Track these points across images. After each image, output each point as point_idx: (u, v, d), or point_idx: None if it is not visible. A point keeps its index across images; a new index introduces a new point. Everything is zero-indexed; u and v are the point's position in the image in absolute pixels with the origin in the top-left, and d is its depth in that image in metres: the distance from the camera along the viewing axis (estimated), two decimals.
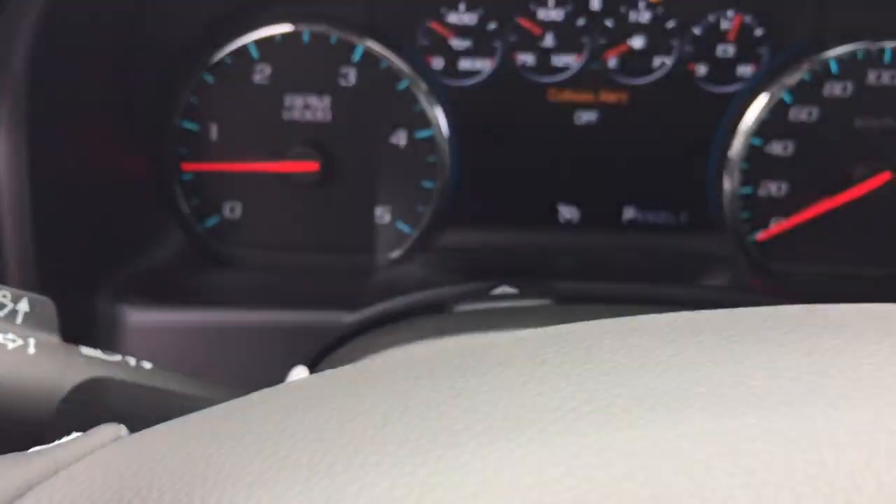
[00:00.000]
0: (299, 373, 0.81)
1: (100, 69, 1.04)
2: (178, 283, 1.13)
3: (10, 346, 0.61)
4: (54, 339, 0.64)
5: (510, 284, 0.89)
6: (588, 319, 0.73)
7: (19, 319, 0.64)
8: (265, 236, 1.24)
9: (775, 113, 1.21)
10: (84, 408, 0.62)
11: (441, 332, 0.70)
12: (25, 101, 0.89)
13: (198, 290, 1.14)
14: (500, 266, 1.22)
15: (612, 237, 1.28)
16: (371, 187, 1.24)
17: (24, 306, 0.65)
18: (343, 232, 1.25)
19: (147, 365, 0.69)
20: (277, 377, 0.98)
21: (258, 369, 1.02)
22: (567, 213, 1.28)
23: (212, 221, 1.24)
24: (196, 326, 1.04)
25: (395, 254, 1.26)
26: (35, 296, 0.65)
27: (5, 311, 0.64)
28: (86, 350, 0.66)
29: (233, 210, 1.24)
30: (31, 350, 0.62)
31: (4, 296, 0.65)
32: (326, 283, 1.19)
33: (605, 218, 1.28)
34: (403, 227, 1.25)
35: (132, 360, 0.68)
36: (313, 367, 0.88)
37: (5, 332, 0.62)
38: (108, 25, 1.00)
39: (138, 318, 1.03)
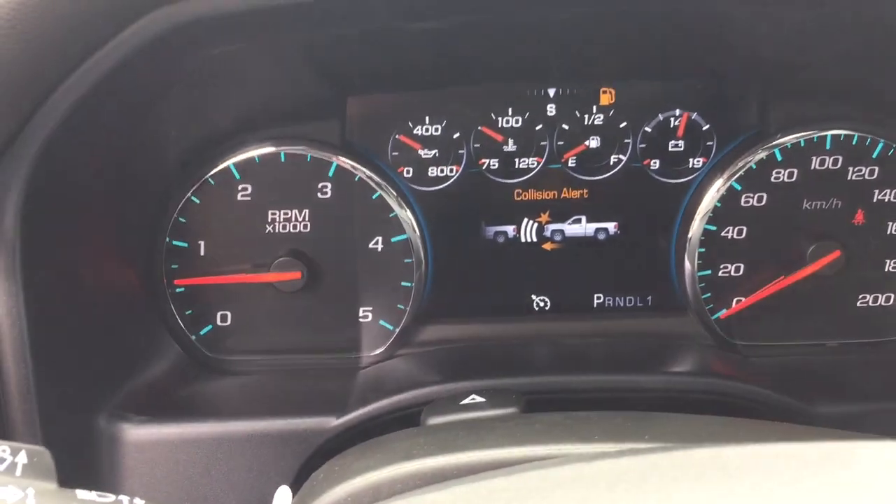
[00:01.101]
0: (284, 493, 0.87)
1: (91, 202, 1.11)
2: (173, 395, 1.20)
3: (10, 499, 0.68)
4: (52, 486, 0.70)
5: (480, 391, 0.95)
6: (549, 433, 0.79)
7: (18, 471, 0.71)
8: (255, 342, 1.31)
9: (727, 200, 1.29)
10: None
11: (410, 455, 0.77)
12: (19, 251, 0.96)
13: (193, 400, 1.21)
14: (477, 359, 1.29)
15: (584, 323, 1.35)
16: (353, 290, 1.31)
17: (22, 458, 0.72)
18: (329, 333, 1.32)
19: (140, 502, 0.75)
20: (270, 486, 1.05)
21: (251, 477, 1.09)
22: (540, 302, 1.35)
23: (204, 330, 1.31)
24: (191, 439, 1.10)
25: (380, 350, 1.33)
26: (32, 447, 0.72)
27: (5, 464, 0.71)
28: (82, 494, 0.72)
29: (224, 319, 1.31)
30: (31, 500, 0.68)
31: (4, 450, 0.71)
32: (315, 384, 1.26)
33: (575, 305, 1.35)
34: (386, 324, 1.32)
35: (125, 500, 0.74)
36: (297, 482, 0.94)
37: (5, 485, 0.68)
38: (98, 165, 1.08)
39: (136, 434, 1.09)
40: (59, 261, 1.05)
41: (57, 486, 0.71)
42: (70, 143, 0.95)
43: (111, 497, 0.73)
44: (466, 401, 0.93)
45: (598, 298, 1.35)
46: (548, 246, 1.33)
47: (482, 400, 0.93)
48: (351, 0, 0.83)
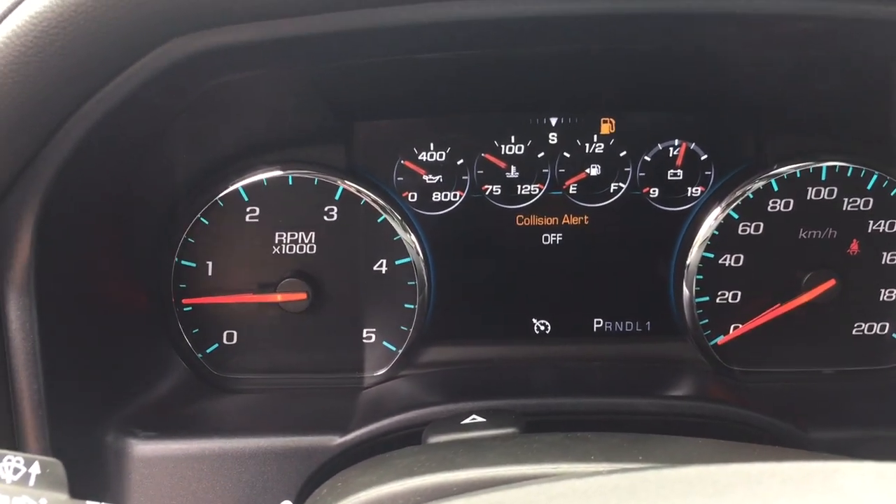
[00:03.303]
0: None
1: (102, 223, 1.15)
2: (179, 412, 1.22)
3: None
4: (64, 496, 0.73)
5: (481, 412, 0.98)
6: (546, 452, 0.82)
7: (32, 482, 0.73)
8: (260, 361, 1.34)
9: (725, 228, 1.32)
10: None
11: (412, 472, 0.79)
12: (33, 268, 0.99)
13: (198, 418, 1.23)
14: (478, 381, 1.31)
15: (583, 347, 1.37)
16: (357, 311, 1.34)
17: (35, 469, 0.74)
18: (333, 353, 1.34)
19: None
20: (274, 501, 1.07)
21: (255, 493, 1.11)
22: (540, 325, 1.38)
23: (210, 349, 1.33)
24: (196, 455, 1.12)
25: (383, 371, 1.35)
26: (45, 459, 0.74)
27: (19, 475, 0.73)
28: None
29: (230, 337, 1.34)
30: None
31: (18, 461, 0.74)
32: (318, 403, 1.28)
33: (575, 329, 1.38)
34: (389, 345, 1.35)
35: None
36: (300, 499, 0.96)
37: (19, 495, 0.71)
38: (110, 187, 1.11)
39: (143, 449, 1.11)
40: (70, 278, 1.08)
41: (69, 497, 0.73)
42: (84, 167, 0.98)
43: None
44: (467, 420, 0.96)
45: (598, 323, 1.38)
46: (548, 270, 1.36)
47: (482, 420, 0.95)
48: (362, 34, 0.86)
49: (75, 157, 0.94)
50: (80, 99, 0.86)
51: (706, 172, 1.33)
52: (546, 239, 1.36)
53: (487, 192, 1.34)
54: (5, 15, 0.81)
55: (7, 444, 1.01)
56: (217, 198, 1.30)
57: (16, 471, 0.73)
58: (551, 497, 0.53)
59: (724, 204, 1.31)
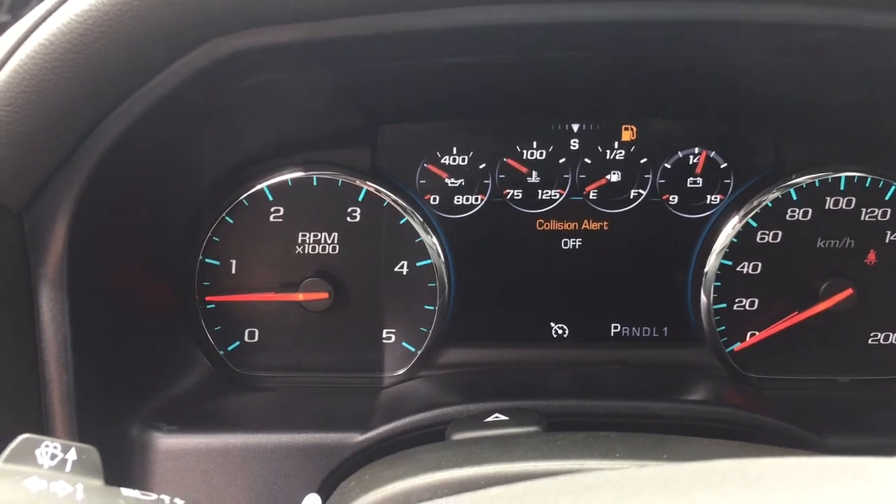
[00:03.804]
0: (313, 500, 0.90)
1: (131, 221, 1.17)
2: (202, 407, 1.24)
3: (61, 493, 0.72)
4: (99, 482, 0.74)
5: (503, 411, 0.99)
6: (571, 449, 0.83)
7: (68, 468, 0.75)
8: (281, 359, 1.35)
9: (743, 236, 1.33)
10: None
11: (439, 466, 0.80)
12: (67, 263, 1.01)
13: (220, 413, 1.24)
14: (497, 382, 1.33)
15: (600, 351, 1.39)
16: (378, 311, 1.35)
17: (72, 455, 0.76)
18: (353, 353, 1.36)
19: (180, 502, 0.79)
20: (295, 497, 1.09)
21: (276, 488, 1.12)
22: (558, 329, 1.39)
23: (232, 346, 1.35)
24: (219, 449, 1.13)
25: (402, 371, 1.36)
26: (82, 445, 0.76)
27: (56, 460, 0.75)
28: (126, 492, 0.76)
29: (251, 335, 1.35)
30: (80, 496, 0.72)
31: (56, 447, 0.76)
32: (338, 402, 1.29)
33: (593, 333, 1.39)
34: (408, 346, 1.36)
35: (166, 499, 0.78)
36: (326, 492, 0.97)
37: (56, 479, 0.72)
38: (141, 184, 1.13)
39: (167, 443, 1.13)
40: (101, 273, 1.10)
41: (103, 483, 0.75)
42: (119, 164, 1.00)
43: (153, 496, 0.77)
44: (490, 419, 0.97)
45: (615, 328, 1.39)
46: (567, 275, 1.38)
47: (505, 418, 0.96)
48: (396, 37, 0.88)
49: (112, 154, 0.96)
50: (120, 96, 0.88)
51: (725, 180, 1.35)
52: (565, 244, 1.37)
53: (508, 197, 1.36)
54: (51, 12, 0.84)
55: (36, 434, 1.02)
56: (242, 197, 1.32)
57: (53, 456, 0.75)
58: (585, 487, 0.55)
59: (742, 212, 1.33)
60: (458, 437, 0.95)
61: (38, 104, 0.87)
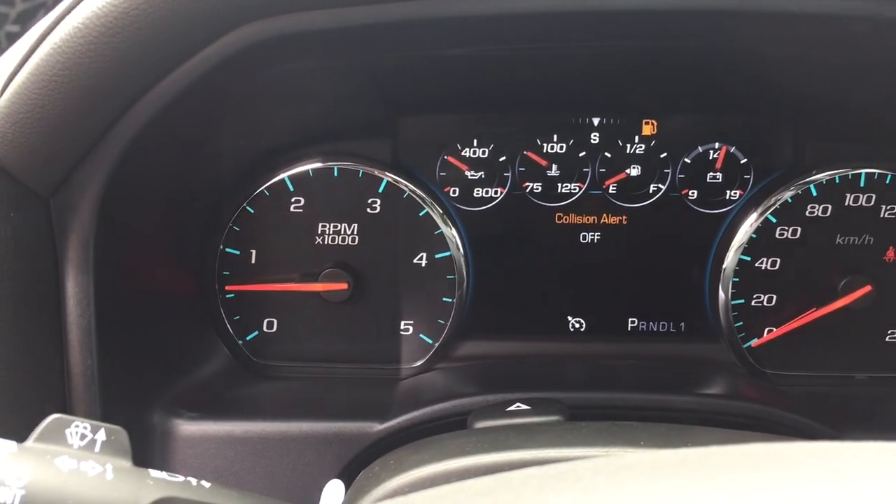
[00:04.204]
0: (335, 486, 0.91)
1: (155, 208, 1.17)
2: (222, 395, 1.24)
3: (91, 472, 0.72)
4: (127, 463, 0.75)
5: (524, 401, 0.99)
6: (595, 437, 0.83)
7: (97, 448, 0.75)
8: (299, 349, 1.36)
9: (762, 232, 1.33)
10: None
11: (464, 452, 0.81)
12: (92, 249, 1.02)
13: (240, 401, 1.25)
14: (514, 374, 1.33)
15: (617, 345, 1.39)
16: (396, 303, 1.36)
17: (101, 436, 0.76)
18: (371, 344, 1.36)
19: (206, 484, 0.79)
20: (314, 484, 1.09)
21: (296, 475, 1.13)
22: (575, 323, 1.40)
23: (251, 336, 1.36)
24: (239, 436, 1.14)
25: (419, 363, 1.37)
26: (111, 426, 0.77)
27: (86, 440, 0.76)
28: (154, 473, 0.76)
29: (270, 325, 1.36)
30: (110, 476, 0.73)
31: (86, 427, 0.76)
32: (356, 392, 1.30)
33: (610, 327, 1.39)
34: (426, 338, 1.37)
35: (193, 481, 0.79)
36: (346, 479, 0.98)
37: (86, 459, 0.73)
38: (166, 172, 1.14)
39: (187, 429, 1.13)
40: (124, 259, 1.11)
41: (132, 464, 0.75)
42: (147, 149, 1.00)
43: (181, 478, 0.78)
44: (512, 408, 0.97)
45: (632, 322, 1.39)
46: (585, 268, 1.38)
47: (527, 407, 0.97)
48: (424, 25, 0.89)
49: (140, 140, 0.97)
50: (150, 82, 0.89)
51: (745, 176, 1.35)
52: (584, 237, 1.38)
53: (528, 190, 1.36)
54: None
55: None
56: (263, 187, 1.32)
57: (83, 436, 0.76)
58: (620, 467, 0.55)
59: (762, 208, 1.33)
60: (480, 425, 0.95)
61: (69, 89, 0.88)
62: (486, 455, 0.80)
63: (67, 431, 0.75)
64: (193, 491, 0.77)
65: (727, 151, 1.34)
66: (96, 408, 1.04)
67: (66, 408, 1.03)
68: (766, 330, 1.36)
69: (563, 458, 0.77)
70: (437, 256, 1.35)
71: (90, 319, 1.02)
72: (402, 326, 1.37)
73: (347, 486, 0.93)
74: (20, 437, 0.71)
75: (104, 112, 0.92)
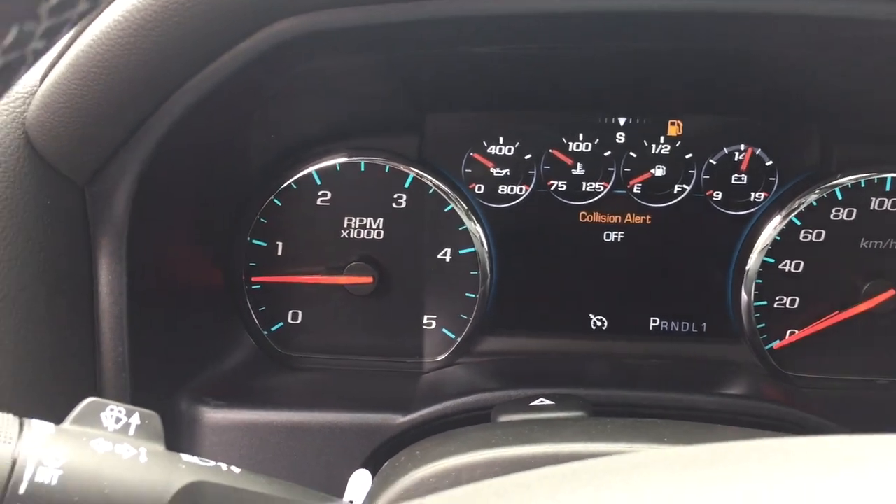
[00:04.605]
0: (362, 475, 0.92)
1: (186, 200, 1.19)
2: (247, 385, 1.26)
3: (125, 455, 0.74)
4: (161, 447, 0.77)
5: (547, 396, 1.00)
6: (620, 433, 0.84)
7: (131, 431, 0.77)
8: (323, 341, 1.38)
9: (786, 234, 1.33)
10: None
11: (489, 444, 0.82)
12: (125, 237, 1.04)
13: (265, 391, 1.27)
14: (536, 370, 1.34)
15: (639, 344, 1.39)
16: (420, 297, 1.37)
17: (135, 420, 0.78)
18: (394, 337, 1.38)
19: (236, 469, 0.81)
20: (337, 473, 1.11)
21: (319, 465, 1.14)
22: (597, 321, 1.40)
23: (276, 327, 1.37)
24: (263, 425, 1.16)
25: (441, 357, 1.38)
26: (145, 411, 0.78)
27: (120, 424, 0.77)
28: (186, 457, 0.78)
29: (295, 317, 1.38)
30: (144, 458, 0.74)
31: (121, 411, 0.78)
32: (379, 384, 1.31)
33: (632, 327, 1.40)
34: (448, 332, 1.38)
35: (224, 466, 0.81)
36: (372, 468, 0.99)
37: (121, 442, 0.75)
38: (197, 163, 1.16)
39: (214, 417, 1.15)
40: (156, 248, 1.13)
41: (164, 448, 0.77)
42: (179, 142, 1.02)
43: (211, 462, 0.79)
44: (535, 402, 0.98)
45: (654, 322, 1.40)
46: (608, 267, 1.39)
47: (551, 403, 0.97)
48: (455, 22, 0.90)
49: (174, 131, 0.98)
50: (187, 74, 0.91)
51: (770, 178, 1.35)
52: (607, 236, 1.38)
53: (553, 188, 1.37)
54: None
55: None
56: (291, 180, 1.34)
57: (117, 420, 0.77)
58: (673, 461, 0.55)
59: (786, 210, 1.33)
60: (503, 419, 0.96)
61: (108, 80, 0.89)
62: (512, 448, 0.81)
63: (102, 415, 0.77)
64: (224, 476, 0.79)
65: (753, 153, 1.35)
66: (126, 394, 1.06)
67: (97, 393, 1.05)
68: (788, 332, 1.36)
69: (589, 452, 0.78)
70: (461, 252, 1.36)
71: (122, 307, 1.04)
72: (424, 321, 1.38)
73: (373, 476, 0.94)
74: (53, 419, 0.73)
75: (141, 104, 0.93)
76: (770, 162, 1.35)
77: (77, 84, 0.89)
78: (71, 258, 1.02)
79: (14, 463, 0.68)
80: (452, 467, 0.81)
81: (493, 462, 0.80)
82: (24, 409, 0.72)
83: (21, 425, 0.71)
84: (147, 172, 1.01)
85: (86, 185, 1.01)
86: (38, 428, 0.71)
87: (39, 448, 0.69)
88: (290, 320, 1.38)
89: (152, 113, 0.95)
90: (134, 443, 0.76)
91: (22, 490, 0.67)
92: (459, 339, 1.37)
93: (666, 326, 1.40)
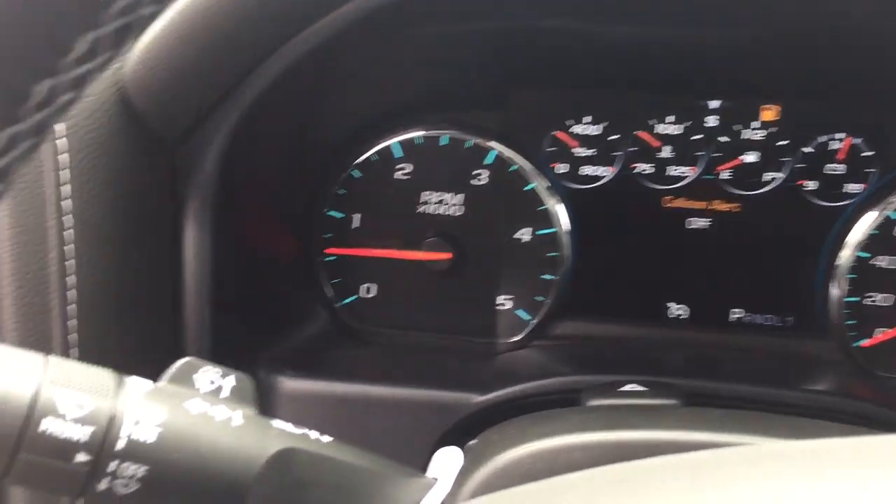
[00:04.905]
0: (450, 452, 0.90)
1: (269, 168, 1.19)
2: (322, 357, 1.25)
3: (219, 417, 0.73)
4: (253, 412, 0.76)
5: (638, 382, 0.97)
6: (717, 424, 0.81)
7: (224, 393, 0.76)
8: (396, 316, 1.36)
9: (882, 229, 1.28)
10: (278, 475, 0.73)
11: (585, 427, 0.79)
12: (211, 200, 1.03)
13: (339, 364, 1.26)
14: (616, 356, 1.31)
15: (719, 336, 1.35)
16: (496, 276, 1.35)
17: (229, 382, 0.77)
18: (468, 316, 1.35)
19: (326, 438, 0.80)
20: (411, 449, 1.09)
21: (392, 439, 1.13)
22: (676, 310, 1.36)
23: (349, 300, 1.36)
24: (339, 396, 1.15)
25: (515, 339, 1.36)
26: (239, 374, 0.77)
27: (214, 386, 0.76)
28: (277, 423, 0.77)
29: (368, 291, 1.36)
30: (238, 421, 0.73)
31: (216, 373, 0.77)
32: (452, 362, 1.29)
33: (712, 317, 1.36)
34: (523, 314, 1.35)
35: (313, 434, 0.79)
36: (459, 444, 0.97)
37: (216, 404, 0.74)
38: (282, 131, 1.15)
39: (291, 386, 1.15)
40: (239, 214, 1.12)
41: (257, 413, 0.76)
42: (271, 105, 1.01)
43: (303, 430, 0.78)
44: (626, 388, 0.95)
45: (737, 313, 1.35)
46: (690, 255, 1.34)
47: (643, 388, 0.94)
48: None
49: (267, 95, 0.97)
50: (288, 35, 0.89)
51: (868, 170, 1.30)
52: (690, 223, 1.34)
53: (637, 171, 1.33)
54: None
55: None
56: (371, 152, 1.32)
57: (212, 382, 0.77)
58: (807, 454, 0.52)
59: (882, 204, 1.27)
60: (593, 403, 0.94)
61: (209, 39, 0.88)
62: (609, 433, 0.78)
63: (195, 376, 0.76)
64: (314, 444, 0.78)
65: (851, 143, 1.29)
66: (206, 358, 1.05)
67: (179, 355, 1.04)
68: (878, 330, 1.30)
69: (692, 442, 0.75)
70: (539, 233, 1.33)
71: (205, 272, 1.04)
72: (499, 301, 1.36)
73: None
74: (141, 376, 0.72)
75: (239, 64, 0.92)
76: (869, 152, 1.29)
77: (176, 41, 0.88)
78: (157, 217, 1.01)
79: (112, 419, 0.67)
80: (547, 449, 0.78)
81: (590, 446, 0.78)
82: (115, 366, 0.71)
83: (118, 382, 0.70)
84: (239, 134, 1.00)
85: (176, 145, 1.00)
86: (136, 385, 0.71)
87: (137, 405, 0.69)
88: (363, 294, 1.36)
89: (248, 74, 0.94)
90: (228, 405, 0.75)
91: (120, 446, 0.66)
92: (535, 322, 1.35)
93: (749, 318, 1.35)
